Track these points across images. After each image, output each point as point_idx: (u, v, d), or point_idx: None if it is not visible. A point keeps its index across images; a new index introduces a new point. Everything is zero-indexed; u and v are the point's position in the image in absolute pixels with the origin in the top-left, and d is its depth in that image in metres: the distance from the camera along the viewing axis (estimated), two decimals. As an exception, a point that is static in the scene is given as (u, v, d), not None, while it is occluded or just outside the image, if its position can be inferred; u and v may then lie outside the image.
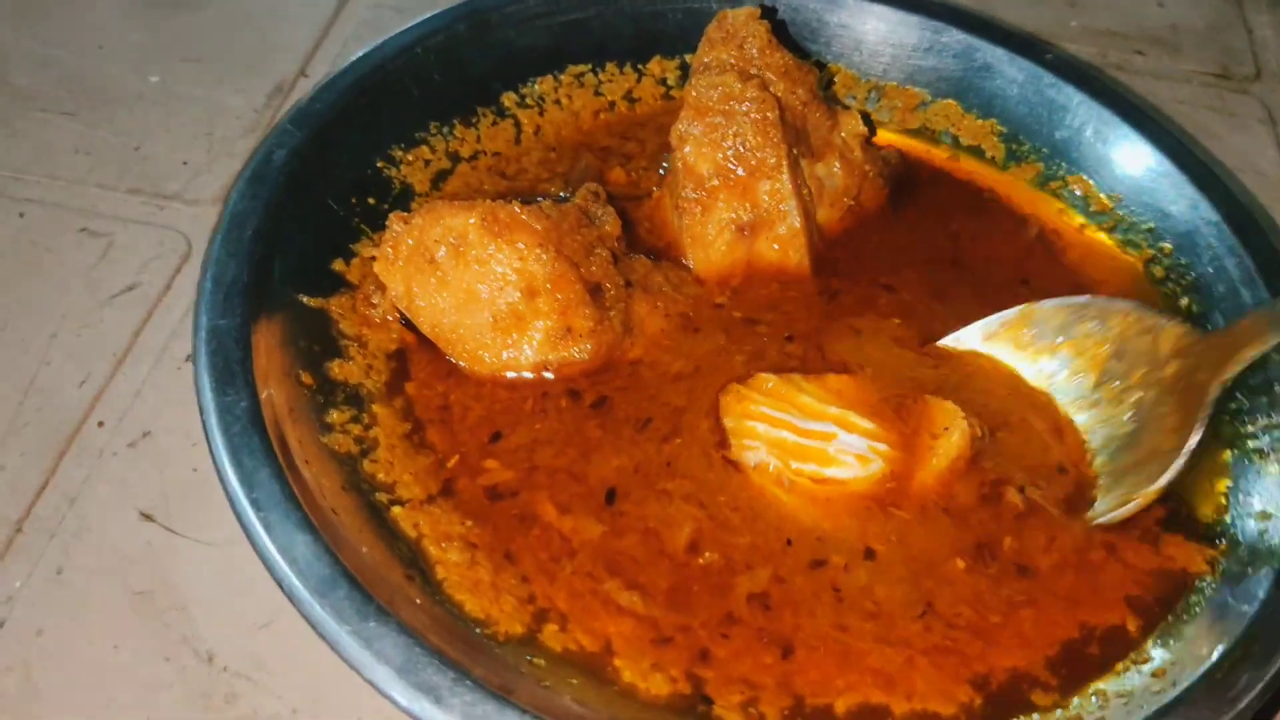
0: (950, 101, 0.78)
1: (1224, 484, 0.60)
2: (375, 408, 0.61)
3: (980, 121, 0.77)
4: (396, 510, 0.57)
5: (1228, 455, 0.61)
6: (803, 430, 0.60)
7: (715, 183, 0.67)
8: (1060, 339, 0.64)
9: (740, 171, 0.66)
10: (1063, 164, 0.74)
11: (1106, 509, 0.58)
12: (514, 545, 0.57)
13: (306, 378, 0.60)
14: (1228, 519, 0.59)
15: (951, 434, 0.59)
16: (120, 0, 0.91)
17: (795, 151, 0.67)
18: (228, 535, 0.60)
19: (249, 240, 0.62)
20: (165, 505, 0.62)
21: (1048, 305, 0.64)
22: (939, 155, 0.78)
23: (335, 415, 0.59)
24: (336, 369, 0.62)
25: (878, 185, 0.72)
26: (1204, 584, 0.56)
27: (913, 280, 0.70)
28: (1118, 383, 0.62)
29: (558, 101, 0.77)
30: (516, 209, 0.62)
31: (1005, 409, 0.63)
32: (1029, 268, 0.70)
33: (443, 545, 0.56)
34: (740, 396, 0.62)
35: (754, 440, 0.60)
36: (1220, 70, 0.94)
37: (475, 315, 0.62)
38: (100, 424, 0.65)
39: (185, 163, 0.79)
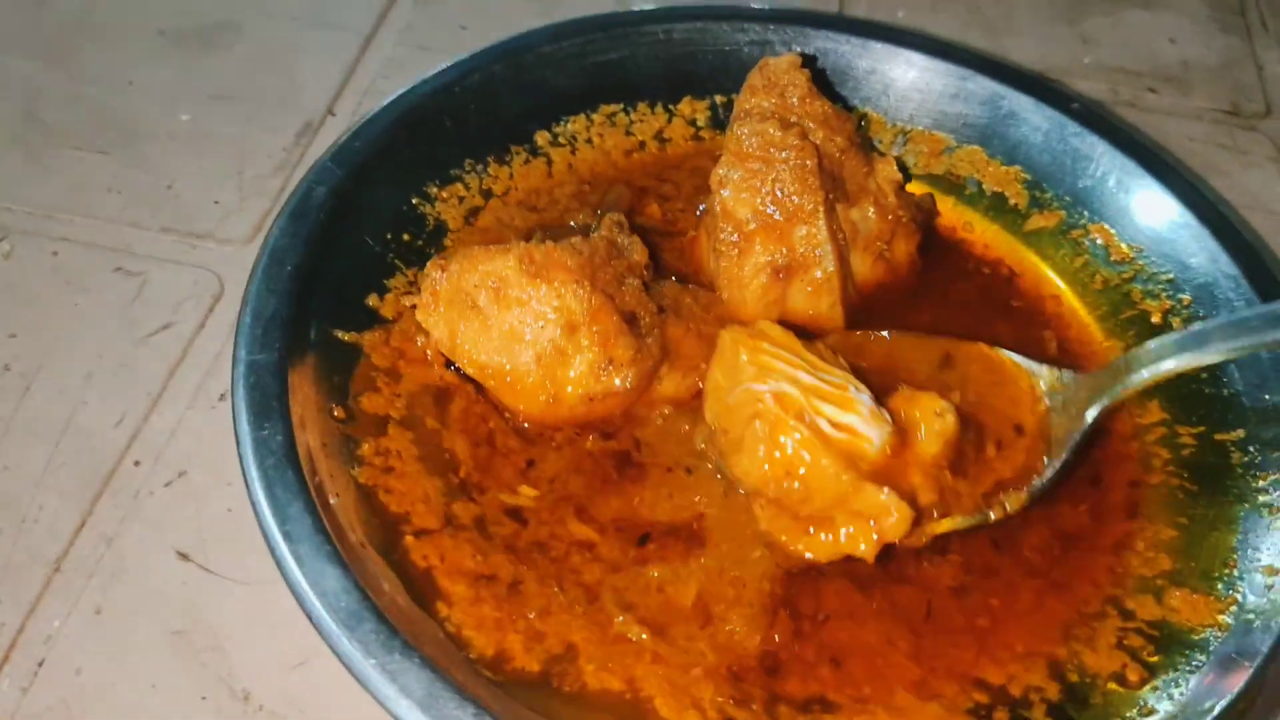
0: (975, 148, 0.78)
1: (1233, 538, 0.60)
2: (397, 434, 0.61)
3: (1005, 168, 0.78)
4: (409, 540, 0.57)
5: (1238, 510, 0.61)
6: (818, 373, 0.59)
7: (752, 226, 0.67)
8: None
9: (777, 216, 0.67)
10: (1085, 212, 0.75)
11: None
12: (530, 578, 0.58)
13: (339, 411, 0.60)
14: (1235, 573, 0.59)
15: (945, 416, 0.58)
16: (150, 38, 0.91)
17: (831, 197, 0.68)
18: (263, 575, 0.60)
19: (288, 276, 0.63)
20: (201, 545, 0.62)
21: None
22: (967, 227, 0.79)
23: (364, 448, 0.60)
24: (366, 402, 0.62)
25: (910, 230, 0.73)
26: (1208, 637, 0.56)
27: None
28: None
29: (589, 140, 0.78)
30: (551, 247, 0.62)
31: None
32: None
33: (451, 579, 0.56)
34: (753, 334, 0.61)
35: (774, 375, 0.59)
36: (1231, 107, 0.95)
37: (520, 354, 0.62)
38: (136, 464, 0.66)
39: (216, 202, 0.80)
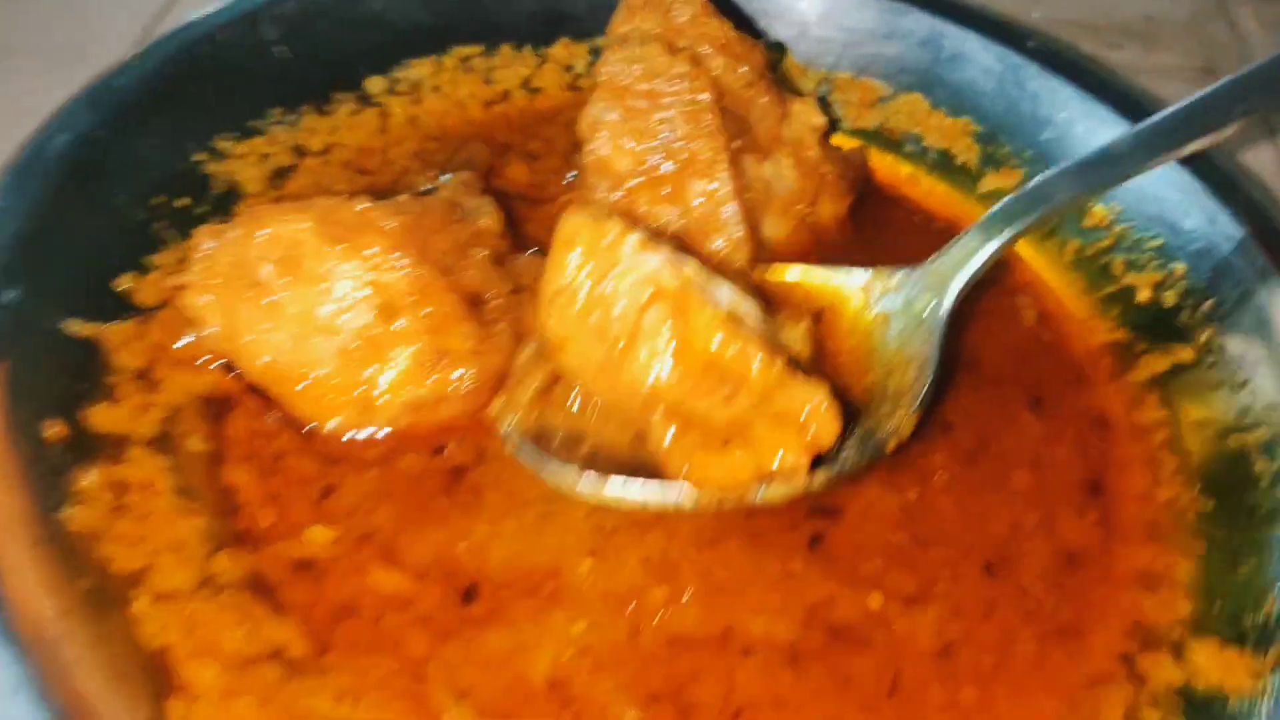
0: (915, 95, 0.66)
1: (1266, 571, 0.46)
2: (144, 462, 0.46)
3: (950, 120, 0.65)
4: (141, 609, 0.41)
5: (1267, 533, 0.47)
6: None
7: (635, 182, 0.53)
8: None
9: (667, 168, 0.53)
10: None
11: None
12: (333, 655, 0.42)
13: (52, 429, 0.44)
14: (1274, 618, 0.45)
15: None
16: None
17: (736, 145, 0.54)
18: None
19: (6, 247, 0.46)
20: None
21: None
22: (900, 172, 0.65)
23: (84, 481, 0.44)
24: (98, 417, 0.46)
25: (838, 191, 0.59)
26: (1248, 705, 0.42)
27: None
28: None
29: (438, 89, 0.64)
30: (362, 206, 0.48)
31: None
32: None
33: (198, 663, 0.40)
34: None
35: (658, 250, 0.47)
36: (1204, 64, 0.83)
37: (319, 348, 0.47)
38: None
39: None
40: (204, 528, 0.45)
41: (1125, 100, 0.62)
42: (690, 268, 0.46)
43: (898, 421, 0.49)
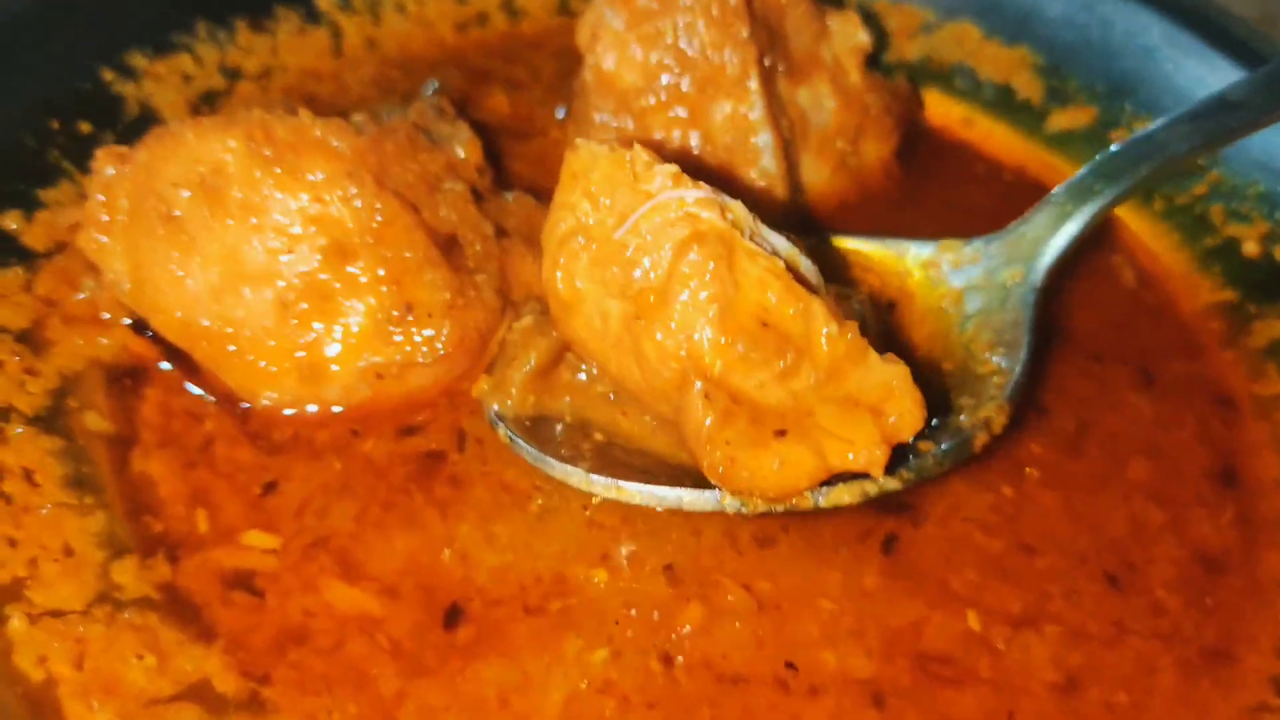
0: (966, 23, 0.57)
1: None
2: (28, 445, 0.37)
3: (1008, 50, 0.57)
4: (16, 627, 0.33)
5: None
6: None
7: (647, 101, 0.44)
8: None
9: (685, 84, 0.44)
10: (1126, 106, 0.54)
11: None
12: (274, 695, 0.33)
13: None
14: None
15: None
16: None
17: (768, 61, 0.44)
18: None
19: None
20: None
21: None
22: (952, 112, 0.56)
23: None
24: None
25: (884, 128, 0.51)
26: None
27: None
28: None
29: (401, 7, 0.54)
30: (306, 123, 0.39)
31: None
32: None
33: (98, 700, 0.32)
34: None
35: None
36: (1261, 14, 0.75)
37: (251, 299, 0.38)
38: None
39: None
40: (102, 529, 0.36)
41: (1214, 28, 0.54)
42: (738, 206, 0.37)
43: (988, 414, 0.41)
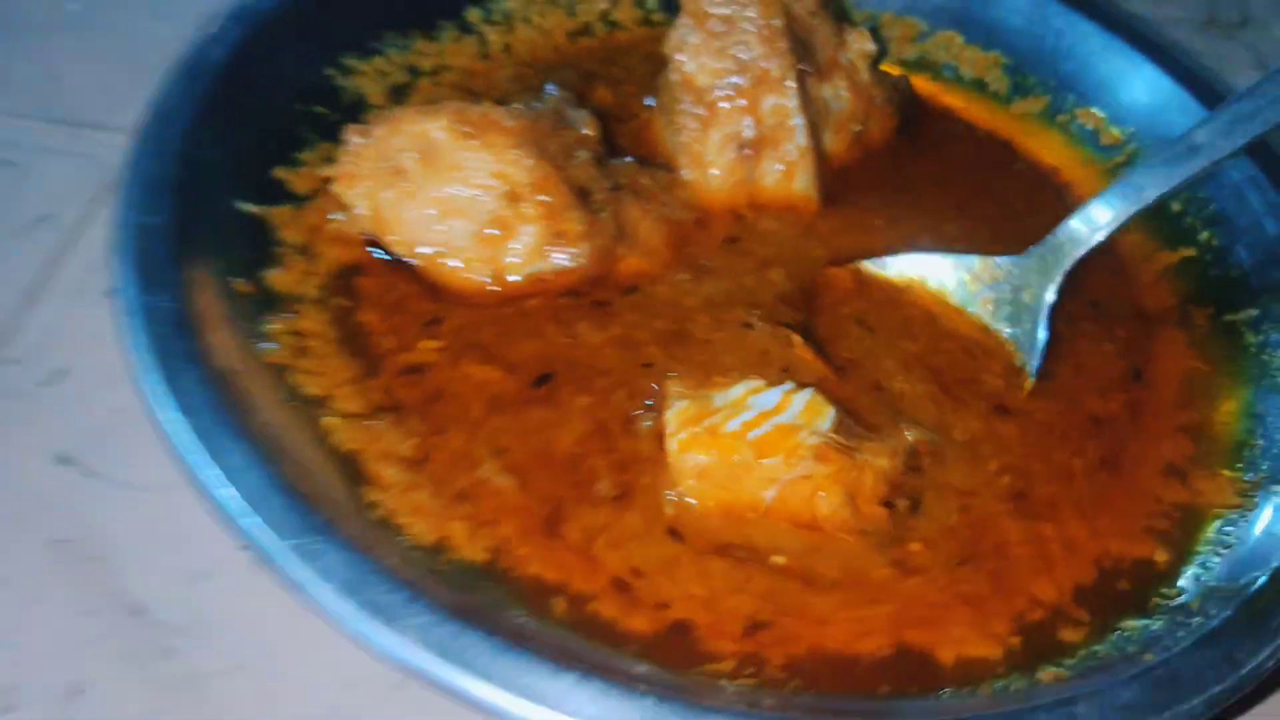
0: (951, 33, 0.74)
1: (1251, 419, 0.57)
2: (314, 315, 0.55)
3: (983, 54, 0.73)
4: (331, 421, 0.51)
5: (1254, 390, 0.58)
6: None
7: (715, 96, 0.62)
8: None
9: (743, 83, 0.62)
10: (1070, 96, 0.71)
11: None
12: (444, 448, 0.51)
13: (241, 285, 0.54)
14: (1256, 453, 0.56)
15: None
16: (33, -81, 0.83)
17: (802, 66, 0.62)
18: (160, 479, 0.52)
19: (179, 138, 0.56)
20: (87, 448, 0.55)
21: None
22: (945, 96, 0.74)
23: (271, 325, 0.53)
24: (275, 278, 0.56)
25: (886, 113, 0.67)
26: (1237, 517, 0.53)
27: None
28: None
29: (527, 19, 0.72)
30: (490, 108, 0.57)
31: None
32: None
33: (381, 463, 0.50)
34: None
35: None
36: (1207, 18, 0.93)
37: (455, 229, 0.56)
38: (16, 362, 0.58)
39: (105, 91, 0.73)
40: (363, 368, 0.53)
41: (1139, 37, 0.71)
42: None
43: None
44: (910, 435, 0.54)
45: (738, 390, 0.52)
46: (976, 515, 0.53)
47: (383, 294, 0.57)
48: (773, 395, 0.52)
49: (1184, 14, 0.93)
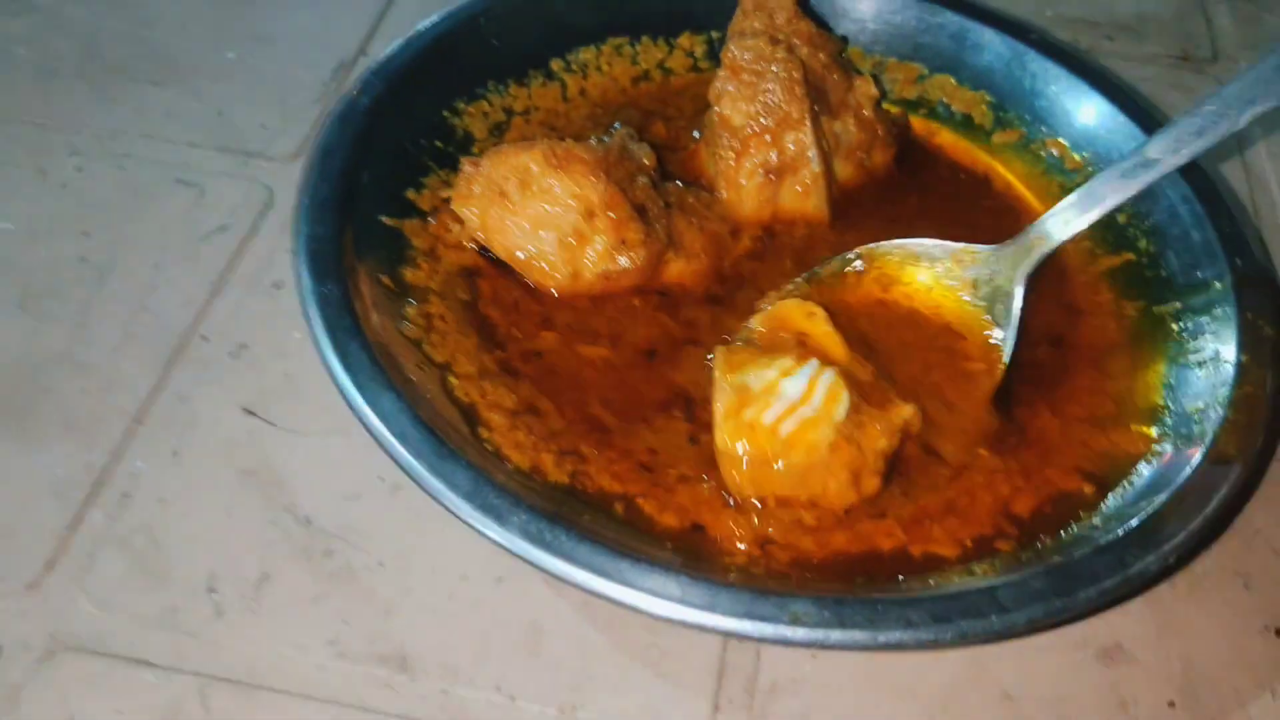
0: (946, 76, 0.87)
1: (1166, 388, 0.69)
2: (437, 303, 0.70)
3: (971, 93, 0.86)
4: (453, 381, 0.66)
5: (1173, 367, 0.70)
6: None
7: (747, 133, 0.76)
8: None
9: (769, 123, 0.76)
10: (1042, 128, 0.83)
11: None
12: (549, 404, 0.68)
13: (386, 280, 0.69)
14: (1167, 414, 0.67)
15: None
16: (197, -13, 1.00)
17: (816, 108, 0.77)
18: (319, 426, 0.69)
19: (338, 168, 0.71)
20: (264, 402, 0.70)
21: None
22: (939, 136, 0.88)
23: (408, 309, 0.68)
24: (409, 274, 0.71)
25: (886, 143, 0.82)
26: (1147, 459, 0.65)
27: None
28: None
29: (599, 68, 0.86)
30: (571, 144, 0.71)
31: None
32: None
33: (491, 411, 0.65)
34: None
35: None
36: (1181, 53, 1.03)
37: (544, 237, 0.71)
38: (204, 338, 0.74)
39: (263, 126, 0.88)
40: (475, 343, 0.69)
41: (1099, 77, 0.83)
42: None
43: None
44: (905, 411, 0.63)
45: (771, 373, 0.62)
46: (953, 469, 0.66)
47: (500, 295, 0.72)
48: (800, 381, 0.61)
49: (1160, 50, 1.03)
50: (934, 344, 0.71)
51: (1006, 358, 0.69)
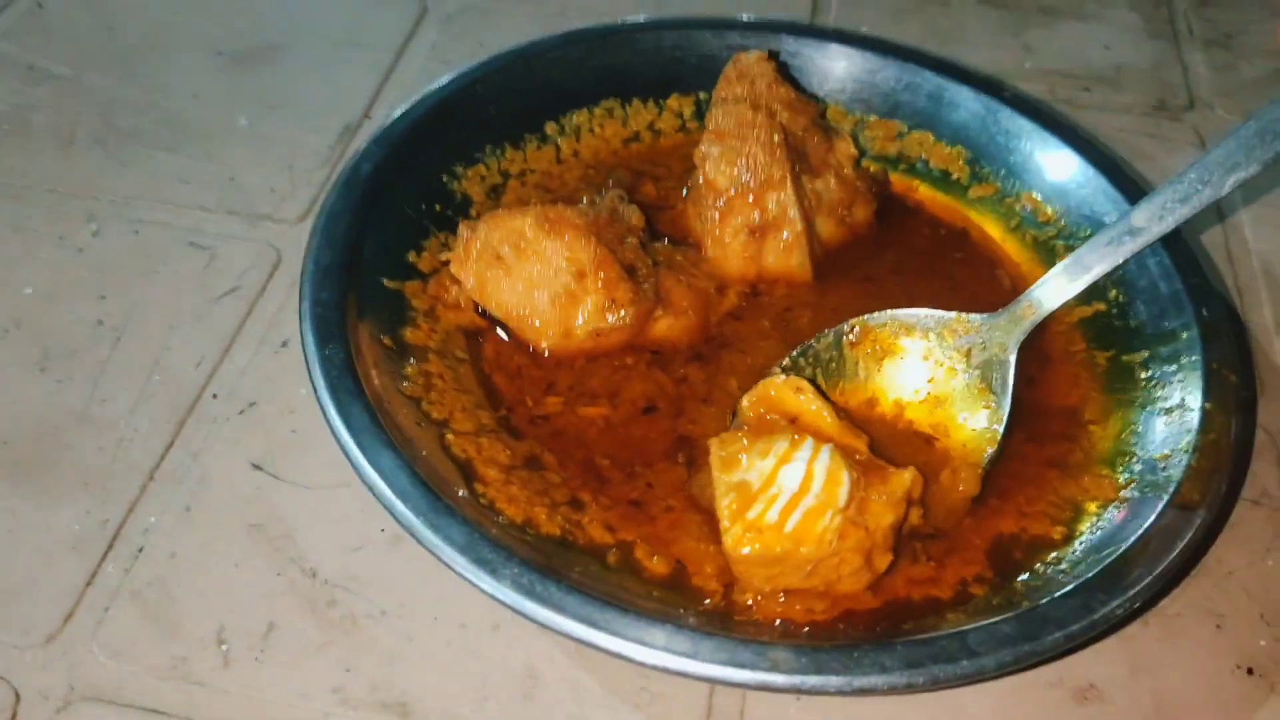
0: (925, 132, 0.90)
1: (1133, 435, 0.71)
2: (436, 361, 0.73)
3: (949, 148, 0.89)
4: (450, 437, 0.69)
5: (1139, 413, 0.72)
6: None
7: (732, 193, 0.80)
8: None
9: (752, 184, 0.79)
10: (1017, 183, 0.86)
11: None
12: (553, 458, 0.71)
13: (386, 340, 0.72)
14: (1134, 461, 0.69)
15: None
16: (210, 57, 1.05)
17: (797, 169, 0.81)
18: (324, 480, 0.72)
19: (342, 234, 0.74)
20: (271, 458, 0.74)
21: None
22: (919, 191, 0.91)
23: (408, 369, 0.71)
24: (409, 334, 0.74)
25: (867, 199, 0.85)
26: (1112, 507, 0.68)
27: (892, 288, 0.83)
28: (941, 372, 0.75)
29: (592, 130, 0.90)
30: (563, 209, 0.75)
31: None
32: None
33: (487, 466, 0.68)
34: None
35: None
36: (1157, 102, 1.06)
37: (537, 297, 0.74)
38: (215, 396, 0.77)
39: (272, 189, 0.92)
40: (472, 400, 0.72)
41: (1069, 133, 0.86)
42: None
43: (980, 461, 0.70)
44: (905, 478, 0.63)
45: (768, 463, 0.62)
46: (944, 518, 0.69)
47: (503, 360, 0.76)
48: (798, 468, 0.61)
49: (1137, 99, 1.07)
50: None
51: (1003, 425, 0.71)
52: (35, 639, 0.65)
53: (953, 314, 0.74)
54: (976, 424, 0.73)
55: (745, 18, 0.94)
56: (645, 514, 0.68)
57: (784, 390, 0.68)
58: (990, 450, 0.71)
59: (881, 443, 0.70)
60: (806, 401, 0.67)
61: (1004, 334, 0.74)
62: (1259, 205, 0.97)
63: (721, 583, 0.65)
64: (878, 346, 0.76)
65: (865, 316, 0.76)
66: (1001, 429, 0.71)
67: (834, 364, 0.75)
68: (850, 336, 0.76)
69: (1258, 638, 0.69)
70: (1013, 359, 0.73)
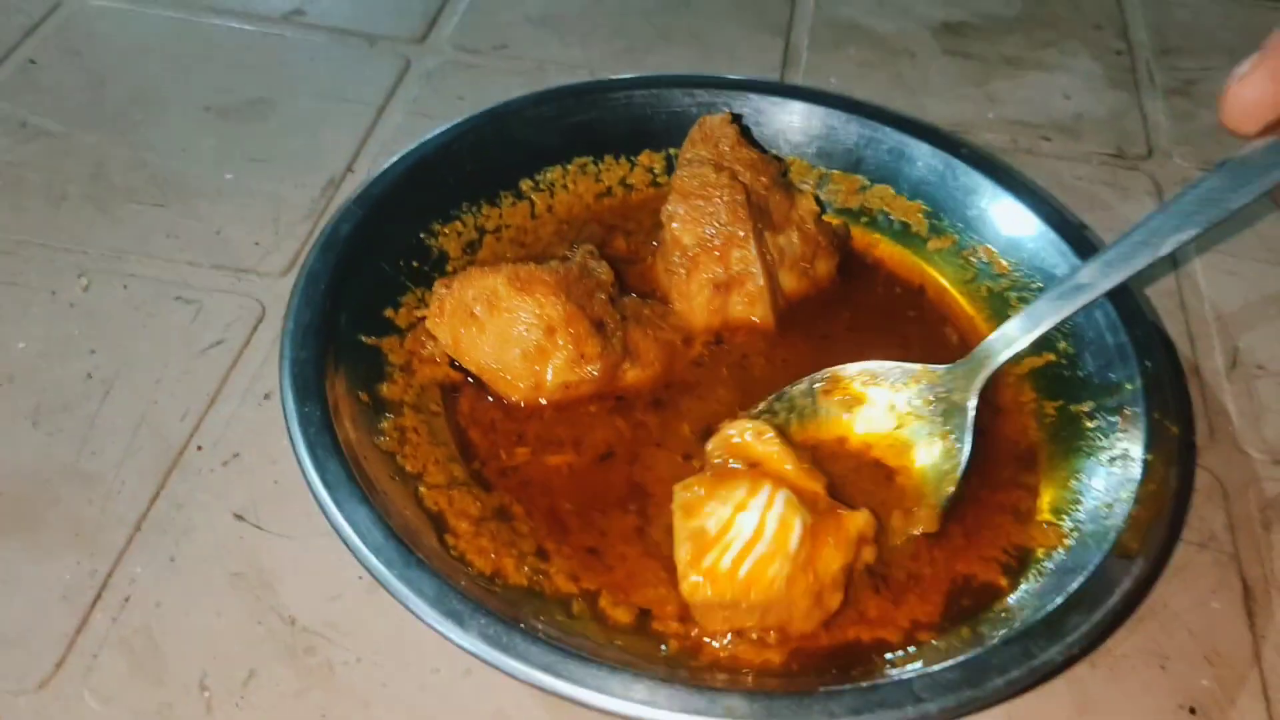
0: (885, 186, 0.92)
1: (1078, 483, 0.74)
2: (411, 415, 0.76)
3: (909, 202, 0.93)
4: (423, 490, 0.72)
5: (1084, 461, 0.75)
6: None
7: (697, 251, 0.83)
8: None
9: (716, 242, 0.83)
10: (974, 236, 0.89)
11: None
12: (521, 508, 0.74)
13: (364, 396, 0.75)
14: (1079, 509, 0.71)
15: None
16: (197, 113, 1.08)
17: (760, 226, 0.84)
18: (304, 530, 0.75)
19: (321, 294, 0.77)
20: (254, 508, 0.76)
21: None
22: (879, 247, 0.94)
23: (383, 423, 0.74)
24: (385, 390, 0.77)
25: (829, 253, 0.88)
26: (1056, 555, 0.70)
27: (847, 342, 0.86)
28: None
29: (565, 186, 0.93)
30: (534, 268, 0.78)
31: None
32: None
33: (458, 519, 0.71)
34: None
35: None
36: (1116, 150, 1.08)
37: (509, 353, 0.77)
38: (199, 448, 0.80)
39: (257, 243, 0.95)
40: (445, 453, 0.75)
41: (1023, 188, 0.89)
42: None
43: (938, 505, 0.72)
44: (859, 520, 0.66)
45: (726, 510, 0.64)
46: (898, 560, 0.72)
47: (478, 415, 0.79)
48: (753, 515, 0.64)
49: (1096, 148, 1.10)
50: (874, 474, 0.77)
51: (962, 468, 0.74)
52: (29, 685, 0.67)
53: (917, 365, 0.77)
54: (938, 465, 0.76)
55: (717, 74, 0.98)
56: (603, 563, 0.71)
57: (745, 435, 0.71)
58: (950, 490, 0.74)
59: (845, 478, 0.74)
60: (768, 446, 0.69)
61: (965, 381, 0.77)
62: (1211, 254, 1.01)
63: (684, 625, 0.68)
64: (848, 395, 0.79)
65: (838, 367, 0.80)
66: (960, 470, 0.73)
67: (807, 410, 0.78)
68: (821, 385, 0.79)
69: (1200, 677, 0.72)
70: (972, 405, 0.76)
